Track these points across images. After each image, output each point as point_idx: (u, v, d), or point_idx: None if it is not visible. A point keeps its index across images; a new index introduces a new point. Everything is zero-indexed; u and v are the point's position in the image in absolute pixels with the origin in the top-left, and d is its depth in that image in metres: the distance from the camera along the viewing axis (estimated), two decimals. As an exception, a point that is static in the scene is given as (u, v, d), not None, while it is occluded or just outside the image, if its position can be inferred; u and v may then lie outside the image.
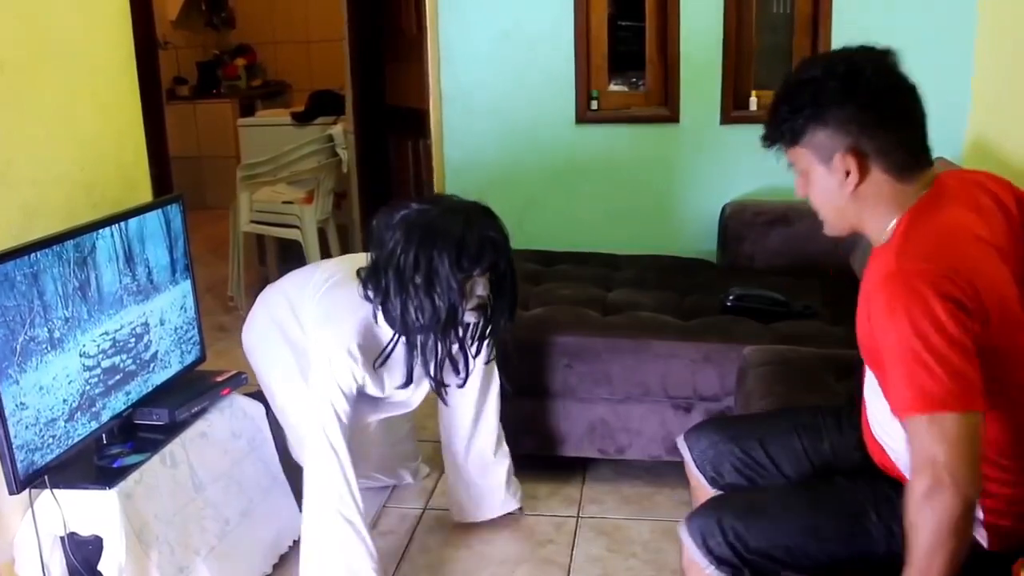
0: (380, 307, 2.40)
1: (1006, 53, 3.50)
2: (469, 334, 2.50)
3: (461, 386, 2.61)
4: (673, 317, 3.11)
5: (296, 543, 2.72)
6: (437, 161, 4.07)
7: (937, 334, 1.46)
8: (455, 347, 2.48)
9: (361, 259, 2.56)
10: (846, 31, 3.80)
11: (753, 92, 3.93)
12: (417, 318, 2.33)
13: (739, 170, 3.90)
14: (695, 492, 2.16)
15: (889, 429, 1.74)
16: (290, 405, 2.69)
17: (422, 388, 2.60)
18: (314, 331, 2.49)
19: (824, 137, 1.65)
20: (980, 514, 1.63)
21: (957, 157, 3.73)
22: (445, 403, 2.68)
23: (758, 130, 3.92)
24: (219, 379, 2.69)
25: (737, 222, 3.75)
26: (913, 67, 4.04)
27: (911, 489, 1.49)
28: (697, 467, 2.09)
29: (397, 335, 2.42)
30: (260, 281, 5.39)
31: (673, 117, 3.91)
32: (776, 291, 3.22)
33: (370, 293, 2.40)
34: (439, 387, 2.50)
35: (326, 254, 4.99)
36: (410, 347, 2.43)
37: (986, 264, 1.57)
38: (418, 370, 2.46)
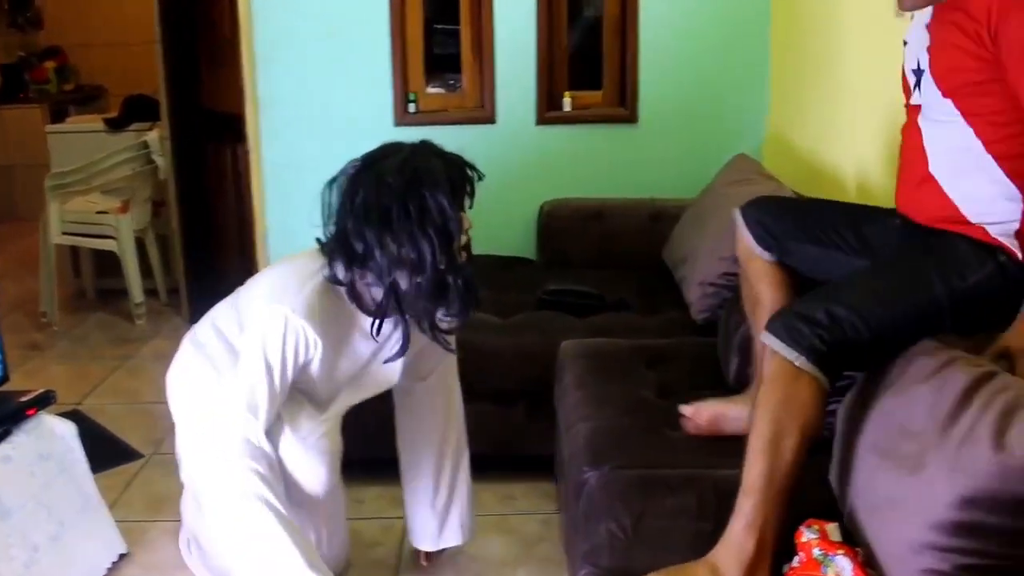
0: (358, 277, 2.17)
1: (796, 59, 3.73)
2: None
3: (458, 327, 2.39)
4: (492, 315, 3.17)
5: (116, 564, 2.66)
6: (255, 166, 4.01)
7: None
8: (458, 282, 2.19)
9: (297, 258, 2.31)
10: (653, 33, 3.96)
11: (566, 93, 4.05)
12: (421, 257, 2.09)
13: (555, 169, 4.01)
14: (746, 267, 2.34)
15: (961, 166, 1.96)
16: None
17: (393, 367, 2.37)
18: (251, 307, 2.19)
19: None
20: (1017, 224, 1.90)
21: (757, 150, 3.94)
22: (448, 348, 2.41)
23: (572, 130, 4.14)
24: (24, 399, 2.58)
25: (554, 220, 3.86)
26: (717, 71, 4.28)
27: None
28: (755, 236, 2.27)
29: (388, 291, 2.14)
30: (75, 295, 5.21)
31: (490, 118, 3.99)
32: (592, 285, 3.33)
33: (340, 268, 2.16)
34: (435, 332, 2.25)
35: (145, 265, 4.85)
36: (406, 304, 2.17)
37: None
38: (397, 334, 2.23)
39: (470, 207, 2.23)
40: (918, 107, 2.06)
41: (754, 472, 1.82)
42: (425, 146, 2.21)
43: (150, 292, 4.91)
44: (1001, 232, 1.93)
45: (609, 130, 4.07)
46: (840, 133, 3.26)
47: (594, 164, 4.05)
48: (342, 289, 2.21)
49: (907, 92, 2.12)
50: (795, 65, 3.74)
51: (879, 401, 1.88)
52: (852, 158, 3.12)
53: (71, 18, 7.53)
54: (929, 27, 2.02)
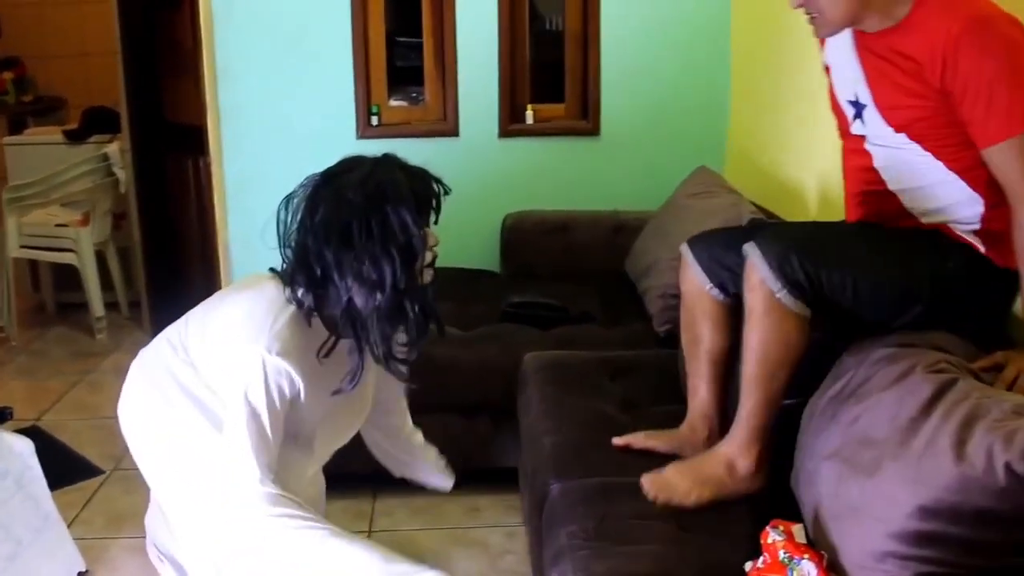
0: (316, 300, 2.04)
1: (757, 71, 3.76)
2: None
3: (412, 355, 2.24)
4: (456, 327, 3.16)
5: (74, 582, 2.63)
6: (217, 178, 4.00)
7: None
8: (416, 308, 2.08)
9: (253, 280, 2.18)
10: (614, 46, 3.99)
11: (529, 106, 4.07)
12: (381, 276, 1.98)
13: (518, 181, 4.02)
14: (690, 304, 2.31)
15: (922, 182, 2.00)
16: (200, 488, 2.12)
17: (366, 387, 2.29)
18: (220, 351, 2.06)
19: None
20: (978, 224, 1.96)
21: (718, 163, 3.98)
22: (403, 379, 2.25)
23: (535, 143, 4.15)
24: (-20, 416, 2.55)
25: (518, 232, 3.88)
26: (678, 84, 4.29)
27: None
28: (705, 271, 2.24)
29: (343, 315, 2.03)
30: (35, 309, 5.15)
31: (452, 131, 4.00)
32: (555, 298, 3.34)
33: (302, 292, 2.02)
34: (389, 359, 2.10)
35: (105, 278, 4.81)
36: (362, 325, 2.04)
37: None
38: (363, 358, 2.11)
39: (435, 223, 2.15)
40: (862, 136, 2.09)
41: (751, 401, 2.02)
42: (388, 159, 2.11)
43: (111, 305, 4.87)
44: (965, 231, 1.99)
45: (572, 143, 4.09)
46: (801, 145, 3.30)
47: (557, 177, 4.07)
48: (313, 314, 2.08)
49: (843, 119, 2.15)
50: (756, 77, 3.78)
51: (842, 408, 1.89)
52: (813, 170, 3.16)
53: (30, 28, 7.43)
54: (860, 57, 2.04)
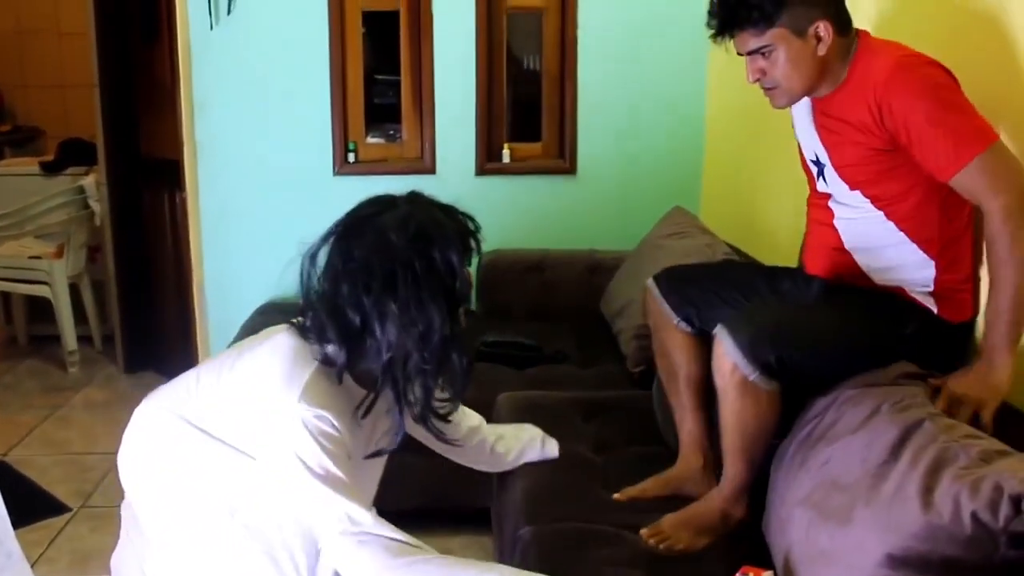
0: (349, 356, 1.87)
1: (731, 113, 3.80)
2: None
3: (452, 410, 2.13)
4: (430, 366, 3.16)
5: (38, 623, 2.58)
6: (192, 213, 3.99)
7: (957, 91, 1.90)
8: (461, 358, 1.92)
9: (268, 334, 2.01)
10: (590, 88, 4.03)
11: (506, 145, 4.09)
12: (430, 326, 1.82)
13: (495, 220, 3.98)
14: (661, 337, 2.37)
15: (875, 244, 2.08)
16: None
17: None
18: (244, 409, 1.92)
19: (802, 10, 1.96)
20: (931, 287, 2.04)
21: (694, 203, 4.00)
22: (443, 439, 2.13)
23: (512, 181, 4.16)
24: (-55, 452, 2.52)
25: (494, 270, 3.87)
26: (654, 124, 4.29)
27: (998, 211, 1.83)
28: (672, 307, 2.30)
29: (383, 370, 1.87)
30: (6, 342, 5.09)
31: (429, 169, 4.02)
32: (530, 337, 3.34)
33: (333, 347, 1.87)
34: (429, 416, 1.95)
35: (79, 311, 4.76)
36: (406, 379, 1.89)
37: None
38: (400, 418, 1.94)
39: (469, 264, 1.97)
40: (827, 194, 2.17)
41: (735, 468, 2.10)
42: (420, 197, 1.93)
43: (84, 339, 4.82)
44: (920, 292, 2.06)
45: (548, 182, 4.12)
46: (775, 186, 3.32)
47: (533, 215, 4.09)
48: (344, 372, 1.92)
49: (810, 177, 2.23)
50: (731, 119, 3.81)
51: (812, 452, 1.90)
52: (786, 211, 3.18)
53: (9, 58, 7.43)
54: (816, 121, 2.13)
